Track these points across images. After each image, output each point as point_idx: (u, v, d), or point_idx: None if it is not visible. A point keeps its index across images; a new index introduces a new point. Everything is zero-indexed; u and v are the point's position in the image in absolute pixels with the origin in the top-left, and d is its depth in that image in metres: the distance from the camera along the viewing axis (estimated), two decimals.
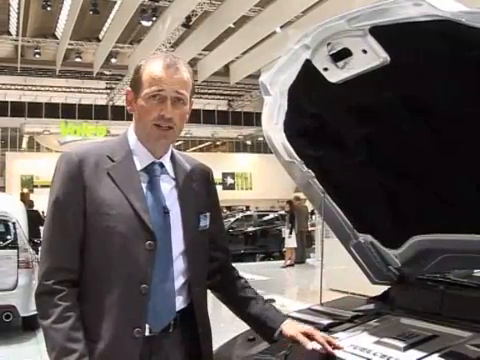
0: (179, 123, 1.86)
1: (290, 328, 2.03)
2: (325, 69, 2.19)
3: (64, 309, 1.73)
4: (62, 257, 1.78)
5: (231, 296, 2.13)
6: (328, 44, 2.10)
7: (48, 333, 1.74)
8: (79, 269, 1.80)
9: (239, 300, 2.10)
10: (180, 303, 1.89)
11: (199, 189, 2.00)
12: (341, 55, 2.10)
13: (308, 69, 2.23)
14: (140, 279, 1.78)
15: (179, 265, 1.89)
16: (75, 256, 1.79)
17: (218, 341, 2.45)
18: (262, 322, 2.06)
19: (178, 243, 1.88)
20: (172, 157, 1.99)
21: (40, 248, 1.87)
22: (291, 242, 15.77)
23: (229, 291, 2.12)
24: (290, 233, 15.70)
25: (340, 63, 2.12)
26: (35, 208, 14.11)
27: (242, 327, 2.35)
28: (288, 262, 15.80)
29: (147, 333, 1.80)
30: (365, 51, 2.02)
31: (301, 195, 11.40)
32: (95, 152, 1.87)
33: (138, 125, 1.90)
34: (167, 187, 1.92)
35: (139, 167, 1.88)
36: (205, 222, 1.99)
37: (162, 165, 1.93)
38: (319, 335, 2.02)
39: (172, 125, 1.84)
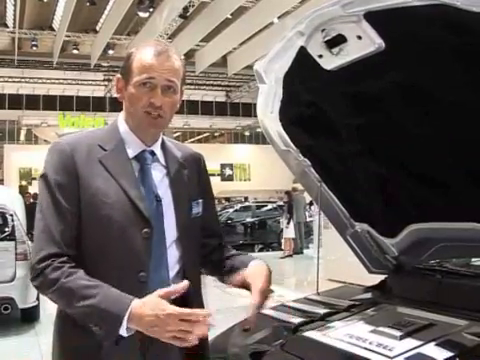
0: (169, 112, 1.84)
1: (250, 274, 1.89)
2: (320, 56, 2.16)
3: (70, 267, 1.70)
4: (60, 244, 1.73)
5: (215, 264, 2.07)
6: (323, 30, 2.07)
7: (60, 291, 1.68)
8: (76, 257, 1.76)
9: (219, 263, 2.05)
10: None
11: (191, 176, 1.99)
12: (336, 41, 2.07)
13: (303, 56, 2.20)
14: (138, 267, 1.77)
15: (173, 253, 1.87)
16: (73, 244, 1.76)
17: (216, 331, 2.44)
18: (235, 269, 1.96)
19: (171, 231, 1.87)
20: (163, 145, 1.97)
21: (35, 237, 1.80)
22: (289, 233, 15.78)
23: (214, 263, 2.07)
24: (288, 223, 15.72)
25: (335, 49, 2.10)
26: (33, 200, 14.11)
27: (237, 318, 2.34)
28: (286, 253, 15.81)
29: None
30: (360, 37, 1.99)
31: (299, 186, 11.38)
32: (86, 142, 1.85)
33: (128, 113, 1.88)
34: (158, 175, 1.91)
35: (131, 155, 1.87)
36: (198, 209, 1.97)
37: (153, 153, 1.92)
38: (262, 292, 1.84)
39: (162, 113, 1.81)
